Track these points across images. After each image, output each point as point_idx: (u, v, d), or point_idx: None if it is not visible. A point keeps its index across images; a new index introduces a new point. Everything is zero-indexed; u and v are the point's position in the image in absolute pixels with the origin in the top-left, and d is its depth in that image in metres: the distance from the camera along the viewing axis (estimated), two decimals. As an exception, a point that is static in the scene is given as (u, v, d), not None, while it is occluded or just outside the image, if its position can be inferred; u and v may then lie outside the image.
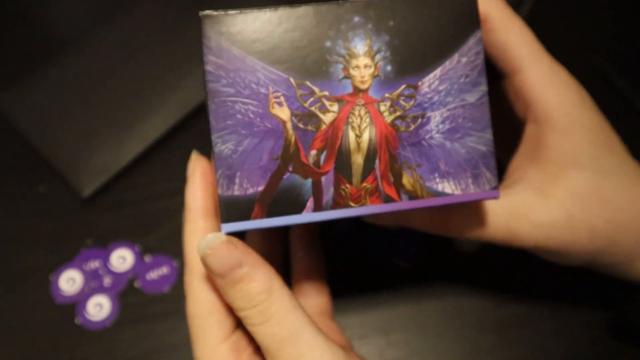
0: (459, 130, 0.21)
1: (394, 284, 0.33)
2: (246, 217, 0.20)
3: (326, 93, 0.20)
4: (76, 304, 0.33)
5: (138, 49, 0.43)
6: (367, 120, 0.20)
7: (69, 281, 0.34)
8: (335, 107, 0.20)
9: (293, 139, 0.20)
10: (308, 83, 0.20)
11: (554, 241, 0.25)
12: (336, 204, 0.20)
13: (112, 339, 0.32)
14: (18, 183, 0.38)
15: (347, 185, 0.20)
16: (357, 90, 0.20)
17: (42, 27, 0.47)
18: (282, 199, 0.20)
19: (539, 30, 0.44)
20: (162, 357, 0.32)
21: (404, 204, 0.20)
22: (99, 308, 0.33)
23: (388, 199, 0.20)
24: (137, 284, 0.34)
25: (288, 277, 0.31)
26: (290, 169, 0.20)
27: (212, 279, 0.21)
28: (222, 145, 0.20)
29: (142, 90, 0.41)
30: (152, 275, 0.34)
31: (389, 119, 0.20)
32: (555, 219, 0.25)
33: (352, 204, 0.20)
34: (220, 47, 0.20)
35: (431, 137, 0.21)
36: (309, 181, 0.20)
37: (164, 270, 0.34)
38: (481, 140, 0.21)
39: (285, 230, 0.31)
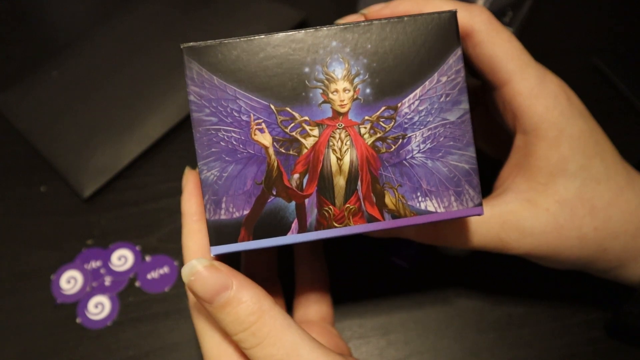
0: (440, 149, 0.21)
1: (394, 284, 0.33)
2: (233, 240, 0.20)
3: (306, 118, 0.21)
4: (77, 303, 0.34)
5: (138, 49, 0.43)
6: (348, 143, 0.21)
7: (70, 281, 0.34)
8: (315, 132, 0.21)
9: (275, 164, 0.21)
10: (288, 109, 0.21)
11: (543, 249, 0.25)
12: (320, 225, 0.20)
13: (113, 338, 0.32)
14: (18, 183, 0.38)
15: (330, 207, 0.21)
16: (336, 114, 0.21)
17: (43, 28, 0.47)
18: (267, 222, 0.20)
19: (539, 31, 0.44)
20: (162, 356, 0.32)
21: (387, 223, 0.21)
22: (99, 308, 0.33)
23: (371, 219, 0.21)
24: (137, 284, 0.34)
25: (292, 285, 0.31)
26: (274, 192, 0.20)
27: (202, 306, 0.21)
28: (208, 172, 0.20)
29: (142, 90, 0.41)
30: (153, 274, 0.34)
31: (369, 140, 0.21)
32: (544, 228, 0.25)
33: (335, 224, 0.21)
34: (201, 77, 0.20)
35: (412, 157, 0.21)
36: (293, 204, 0.21)
37: (164, 269, 0.35)
38: (463, 159, 0.21)
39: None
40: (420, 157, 0.21)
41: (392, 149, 0.21)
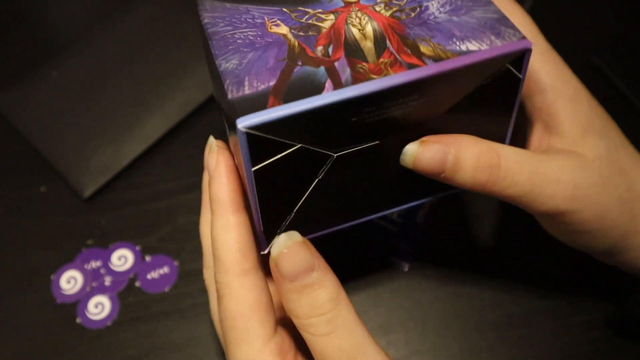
0: (461, 8, 0.20)
1: (394, 283, 0.33)
2: (262, 107, 0.18)
3: (320, 10, 0.21)
4: (77, 303, 0.34)
5: (138, 49, 0.43)
6: (366, 18, 0.20)
7: (70, 281, 0.34)
8: (331, 17, 0.20)
9: (296, 43, 0.20)
10: (300, 8, 0.21)
11: (592, 208, 0.24)
12: (356, 80, 0.18)
13: (113, 338, 0.32)
14: (19, 183, 0.38)
15: (364, 64, 0.19)
16: (348, 4, 0.21)
17: (43, 28, 0.47)
18: (297, 87, 0.18)
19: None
20: (162, 356, 0.32)
21: (430, 68, 0.19)
22: (99, 308, 0.33)
23: (411, 66, 0.19)
24: (137, 284, 0.34)
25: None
26: (300, 63, 0.19)
27: (277, 282, 0.20)
28: (227, 63, 0.19)
29: (142, 90, 0.41)
30: (153, 274, 0.34)
31: (387, 14, 0.20)
32: (594, 180, 0.24)
33: (373, 76, 0.19)
34: (213, 6, 0.21)
35: (435, 17, 0.20)
36: (322, 68, 0.19)
37: (164, 269, 0.35)
38: (489, 11, 0.20)
39: None
40: (443, 16, 0.20)
41: (412, 16, 0.20)
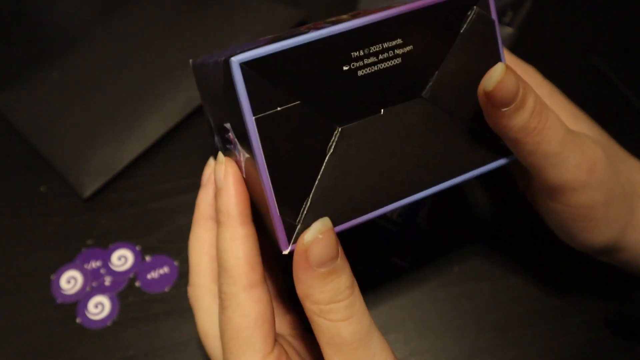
0: None
1: (394, 283, 0.33)
2: (257, 47, 0.19)
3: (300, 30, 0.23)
4: (77, 303, 0.34)
5: (138, 49, 0.43)
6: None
7: (70, 281, 0.34)
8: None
9: (283, 35, 0.22)
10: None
11: (602, 190, 0.24)
12: (338, 22, 0.20)
13: (113, 338, 0.32)
14: (18, 183, 0.38)
15: (344, 16, 0.21)
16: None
17: (43, 28, 0.47)
18: (285, 36, 0.20)
19: (539, 31, 0.44)
20: (162, 356, 0.32)
21: (403, 7, 0.20)
22: (99, 308, 0.33)
23: (384, 10, 0.20)
24: (137, 284, 0.34)
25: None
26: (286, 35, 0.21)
27: (301, 268, 0.20)
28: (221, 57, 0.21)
29: (142, 90, 0.41)
30: (153, 274, 0.34)
31: None
32: (605, 161, 0.24)
33: (354, 19, 0.20)
34: (209, 56, 0.23)
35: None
36: (307, 30, 0.21)
37: (164, 269, 0.35)
38: None
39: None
40: None
41: None
